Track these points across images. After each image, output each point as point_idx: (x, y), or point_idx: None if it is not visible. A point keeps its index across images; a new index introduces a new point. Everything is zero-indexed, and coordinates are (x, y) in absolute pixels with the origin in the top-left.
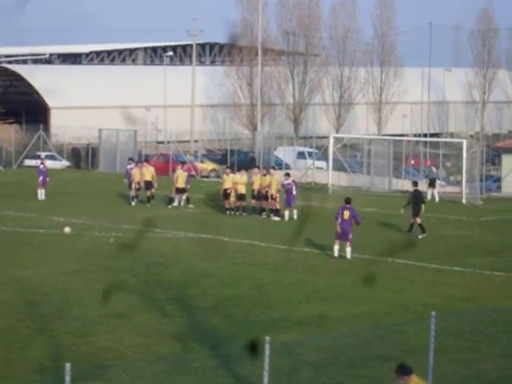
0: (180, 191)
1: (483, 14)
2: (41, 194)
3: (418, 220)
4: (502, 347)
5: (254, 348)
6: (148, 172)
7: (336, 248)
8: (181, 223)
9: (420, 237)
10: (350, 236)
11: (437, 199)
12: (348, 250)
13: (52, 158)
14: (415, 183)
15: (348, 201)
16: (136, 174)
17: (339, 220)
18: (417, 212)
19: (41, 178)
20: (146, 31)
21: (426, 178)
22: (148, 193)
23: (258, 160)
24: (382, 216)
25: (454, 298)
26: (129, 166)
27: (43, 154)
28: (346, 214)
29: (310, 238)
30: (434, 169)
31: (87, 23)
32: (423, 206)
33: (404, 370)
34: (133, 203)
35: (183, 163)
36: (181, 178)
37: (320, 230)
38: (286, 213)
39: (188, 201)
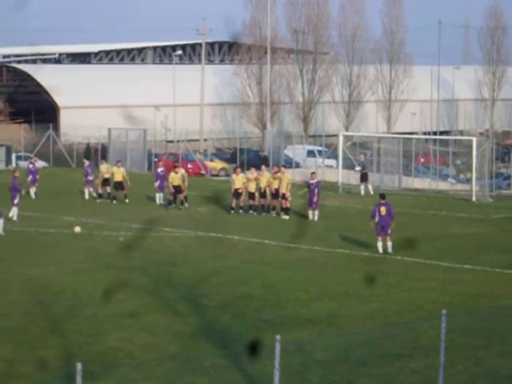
0: (177, 190)
1: (492, 12)
2: (32, 192)
3: None
4: None
5: (254, 348)
6: (119, 172)
7: (380, 244)
8: (190, 222)
9: None
10: (389, 231)
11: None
12: (389, 244)
13: (25, 158)
14: None
15: (383, 196)
16: (173, 177)
17: (376, 217)
18: None
19: (30, 177)
20: (155, 30)
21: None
22: (109, 189)
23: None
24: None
25: (464, 295)
26: (86, 165)
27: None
28: (383, 209)
29: (320, 236)
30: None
31: (96, 23)
32: None
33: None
34: (169, 206)
35: (175, 167)
36: (175, 178)
37: (330, 228)
38: (310, 212)
39: (185, 199)
